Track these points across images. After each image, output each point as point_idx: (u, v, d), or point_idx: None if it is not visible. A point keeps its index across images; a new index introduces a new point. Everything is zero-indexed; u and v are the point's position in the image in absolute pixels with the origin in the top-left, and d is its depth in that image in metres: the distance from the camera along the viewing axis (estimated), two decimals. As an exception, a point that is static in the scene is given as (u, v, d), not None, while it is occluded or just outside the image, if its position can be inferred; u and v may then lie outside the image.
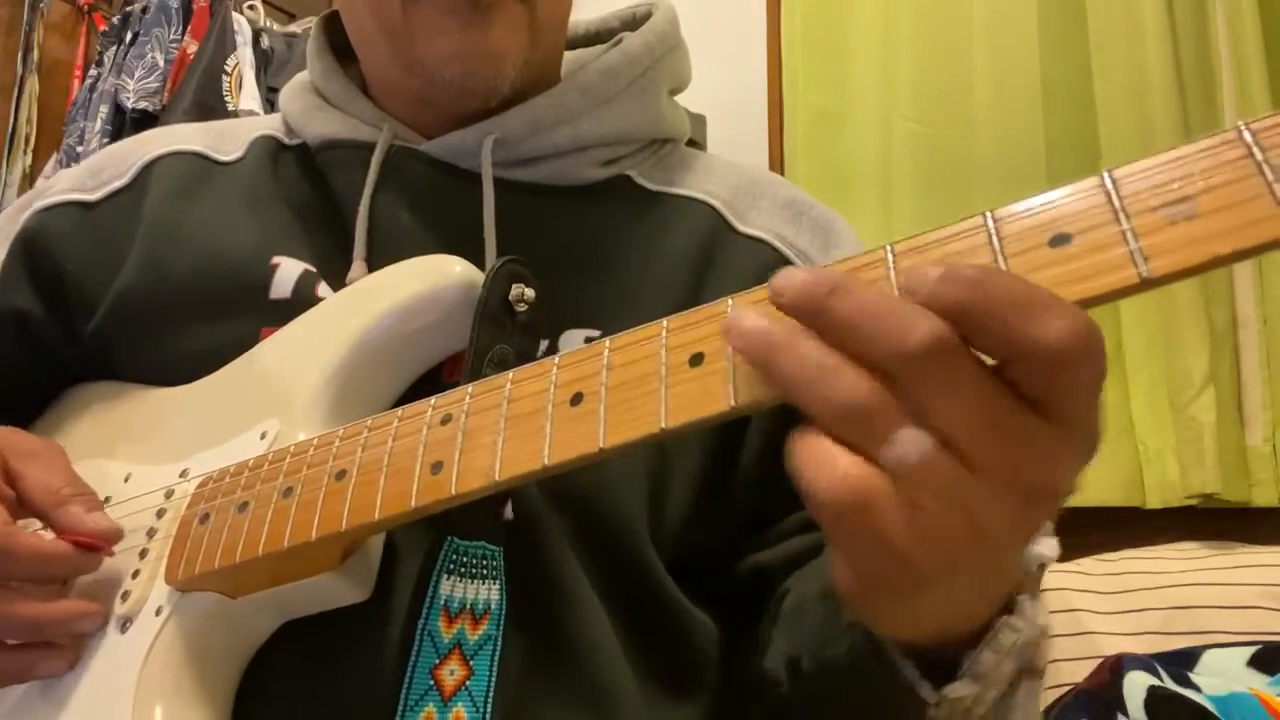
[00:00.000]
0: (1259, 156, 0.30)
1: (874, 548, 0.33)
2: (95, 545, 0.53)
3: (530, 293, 0.57)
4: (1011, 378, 0.32)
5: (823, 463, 0.33)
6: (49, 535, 0.53)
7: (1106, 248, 0.31)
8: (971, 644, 0.41)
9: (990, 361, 0.32)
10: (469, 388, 0.46)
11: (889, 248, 0.36)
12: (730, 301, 0.39)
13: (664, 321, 0.40)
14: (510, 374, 0.44)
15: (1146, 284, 0.31)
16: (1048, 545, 0.67)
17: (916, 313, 0.31)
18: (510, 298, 0.56)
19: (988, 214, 0.34)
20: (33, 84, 2.78)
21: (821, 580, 0.54)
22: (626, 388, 0.39)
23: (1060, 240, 0.32)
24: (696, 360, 0.38)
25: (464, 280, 0.57)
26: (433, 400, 0.47)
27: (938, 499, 0.32)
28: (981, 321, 0.31)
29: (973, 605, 0.39)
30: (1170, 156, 0.32)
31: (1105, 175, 0.33)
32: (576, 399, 0.40)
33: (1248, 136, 0.31)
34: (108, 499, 0.59)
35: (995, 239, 0.34)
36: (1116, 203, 0.32)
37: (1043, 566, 0.66)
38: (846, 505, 0.32)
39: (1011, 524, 0.33)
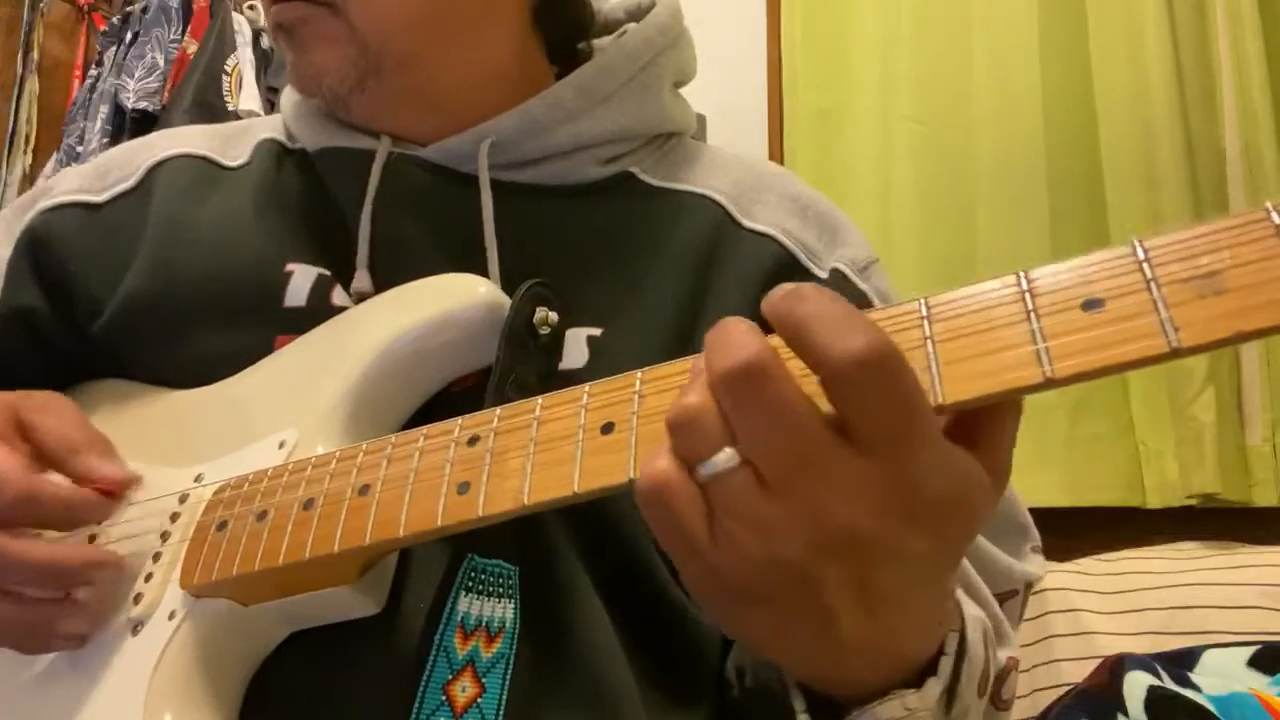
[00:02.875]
0: None
1: (680, 544, 0.36)
2: (111, 491, 0.55)
3: (554, 316, 0.57)
4: (829, 398, 0.34)
5: (646, 458, 0.37)
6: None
7: (1138, 316, 0.32)
8: (861, 704, 0.42)
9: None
10: (497, 410, 0.46)
11: (923, 301, 0.37)
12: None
13: (697, 357, 0.41)
14: (540, 399, 0.45)
15: (1175, 353, 0.32)
16: (1034, 563, 0.68)
17: (743, 337, 0.34)
18: (534, 320, 0.57)
19: (1021, 274, 0.35)
20: (33, 84, 2.78)
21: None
22: (658, 420, 0.39)
23: (1093, 305, 0.33)
24: None
25: (488, 301, 0.57)
26: (460, 420, 0.47)
27: (732, 515, 0.35)
28: (796, 332, 0.34)
29: (832, 654, 0.39)
30: (1198, 231, 0.33)
31: (1136, 245, 0.34)
32: (608, 428, 0.41)
33: (1275, 218, 0.32)
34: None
35: (1029, 299, 0.35)
36: (1148, 273, 0.33)
37: (1028, 587, 0.67)
38: (648, 494, 0.36)
39: (812, 554, 0.35)
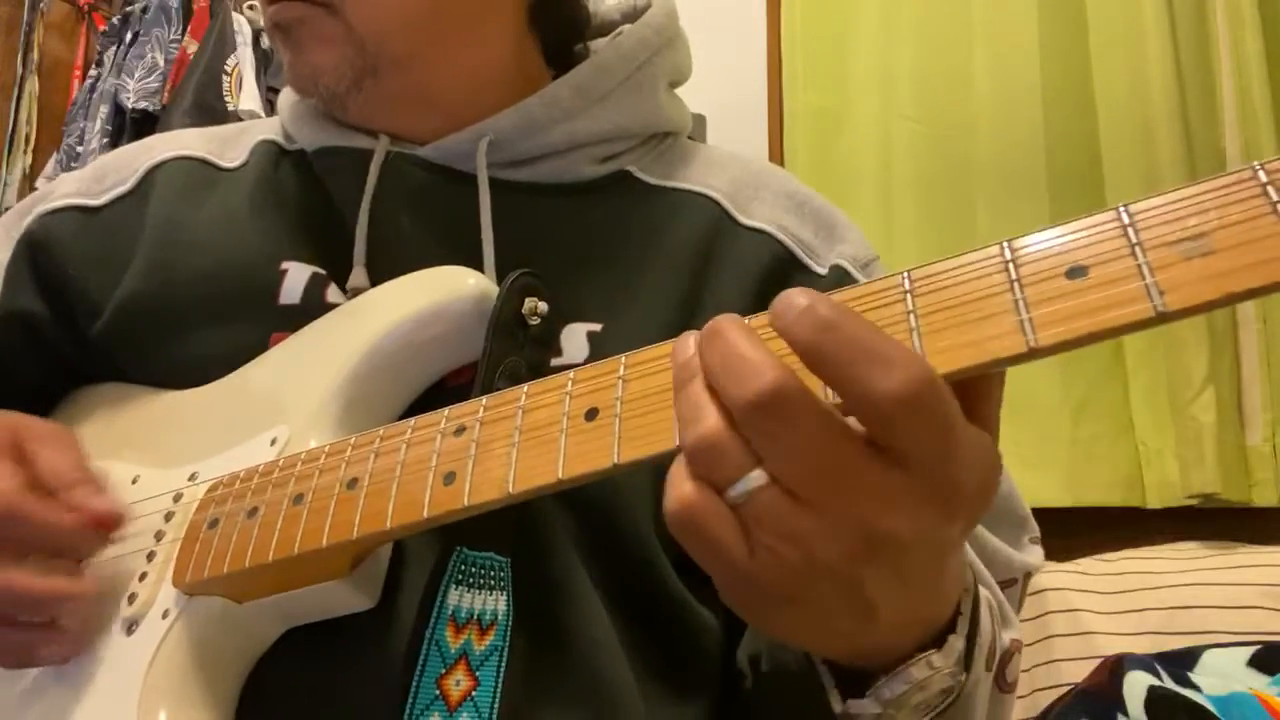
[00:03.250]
0: (1273, 196, 0.31)
1: (718, 562, 0.36)
2: (102, 524, 0.53)
3: (543, 306, 0.57)
4: (868, 430, 0.34)
5: (671, 485, 0.36)
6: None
7: (1123, 281, 0.32)
8: (888, 670, 0.43)
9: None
10: (483, 400, 0.46)
11: (906, 274, 0.36)
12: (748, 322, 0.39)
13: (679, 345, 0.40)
14: (525, 387, 0.44)
15: (1162, 318, 0.31)
16: (1032, 553, 0.68)
17: (763, 364, 0.34)
18: (524, 311, 0.57)
19: (1005, 244, 0.35)
20: (33, 84, 2.78)
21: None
22: (642, 404, 0.39)
23: (1077, 272, 0.33)
24: None
25: (477, 292, 0.57)
26: (446, 411, 0.47)
27: (768, 531, 0.35)
28: (826, 365, 0.33)
29: (861, 635, 0.40)
30: (1185, 194, 0.32)
31: (1121, 210, 0.33)
32: (591, 414, 0.41)
33: (1262, 176, 0.31)
34: (115, 501, 0.60)
35: (1013, 268, 0.34)
36: (1133, 237, 0.32)
37: (1027, 577, 0.67)
38: (679, 520, 0.36)
39: (852, 561, 0.35)
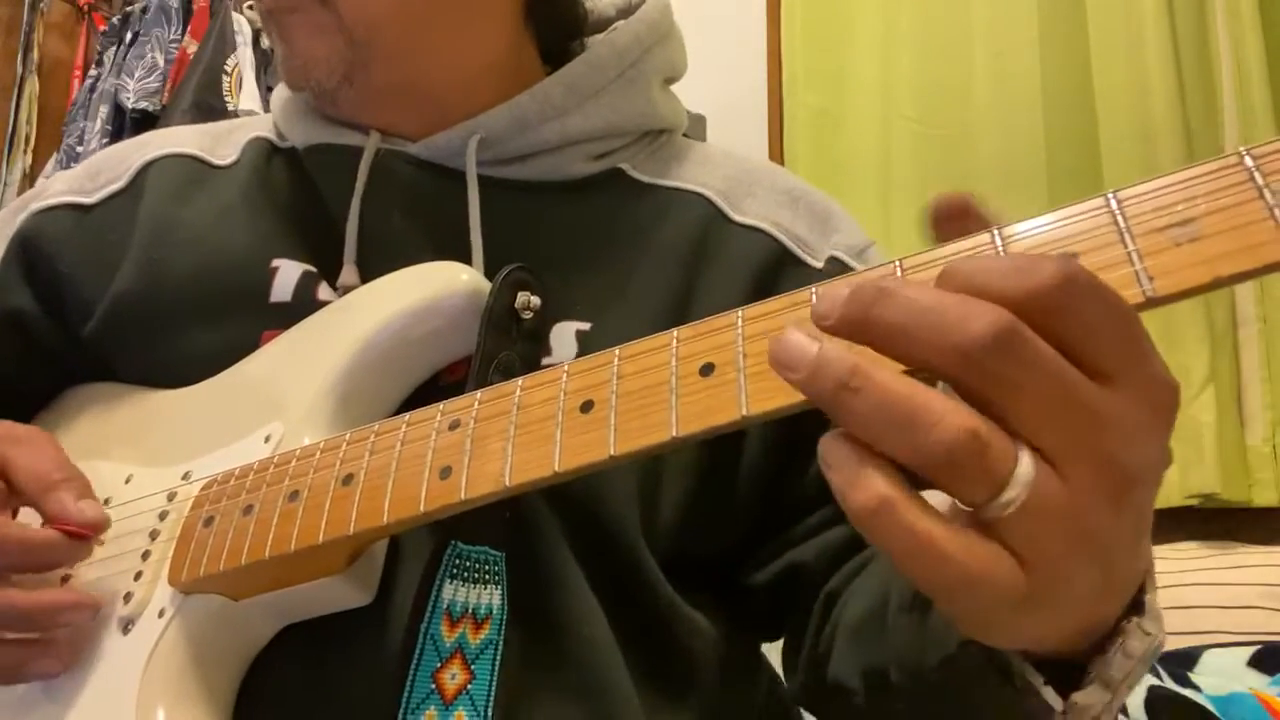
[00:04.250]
0: (1260, 181, 0.31)
1: (983, 603, 0.31)
2: (82, 534, 0.52)
3: (536, 300, 0.57)
4: (1060, 341, 0.30)
5: (921, 549, 0.29)
6: (38, 525, 0.53)
7: (1112, 267, 0.32)
8: (1099, 649, 0.37)
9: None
10: (478, 394, 0.46)
11: (898, 263, 0.36)
12: (741, 314, 0.38)
13: (674, 332, 0.40)
14: (520, 381, 0.44)
15: (1151, 303, 0.31)
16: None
17: (974, 305, 0.29)
18: (516, 305, 0.56)
19: (995, 231, 0.35)
20: (33, 84, 2.79)
21: (901, 591, 0.51)
22: (637, 396, 0.39)
23: None
24: (707, 370, 0.38)
25: (470, 287, 0.57)
26: (441, 406, 0.47)
27: (1048, 525, 0.30)
28: (972, 284, 0.30)
29: (1093, 608, 0.35)
30: (1173, 179, 0.33)
31: (1110, 196, 0.33)
32: (587, 406, 0.41)
33: (1249, 162, 0.32)
34: (108, 500, 0.59)
35: (1004, 255, 0.34)
36: (1121, 223, 0.33)
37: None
38: (961, 590, 0.30)
39: (1113, 518, 0.31)
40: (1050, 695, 0.38)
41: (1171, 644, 1.13)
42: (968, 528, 0.30)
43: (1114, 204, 0.33)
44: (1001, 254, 0.32)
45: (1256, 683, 1.01)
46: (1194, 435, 1.42)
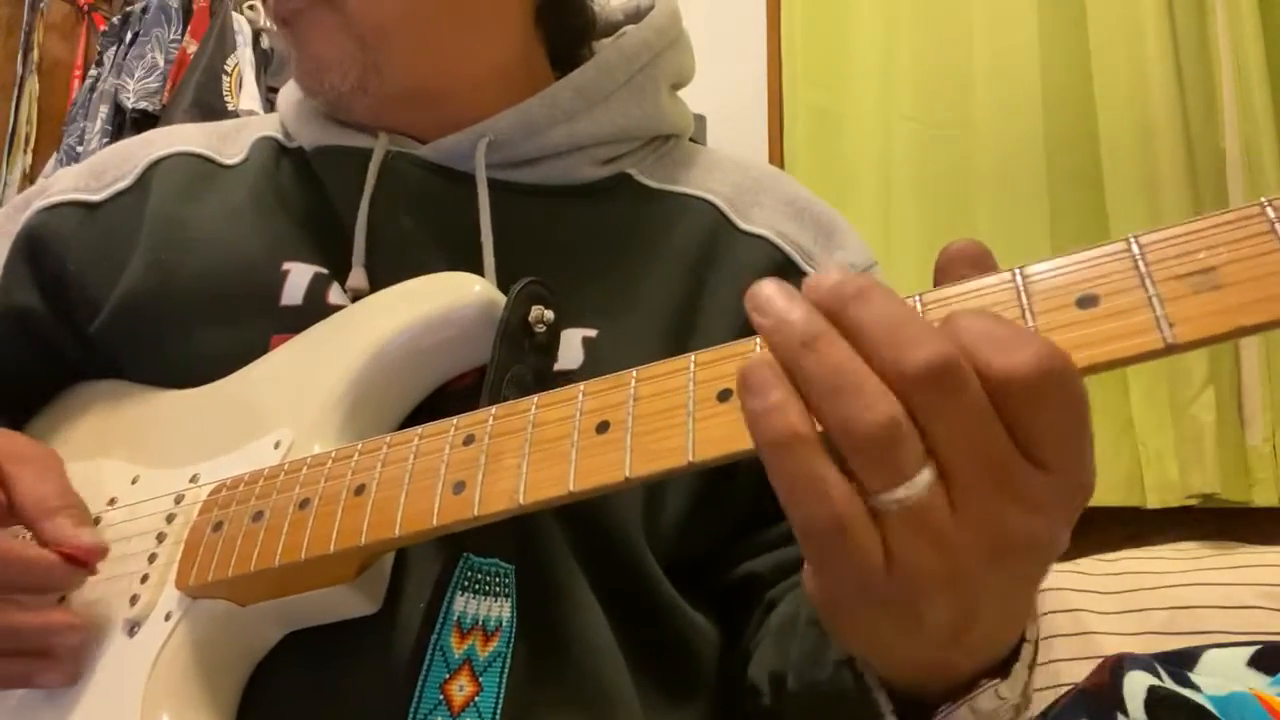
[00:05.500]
0: None
1: (847, 575, 0.34)
2: (80, 560, 0.52)
3: (549, 314, 0.57)
4: (1008, 417, 0.32)
5: (813, 483, 0.32)
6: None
7: (1133, 312, 0.32)
8: (952, 697, 0.40)
9: None
10: (492, 410, 0.46)
11: (918, 298, 0.36)
12: (759, 341, 0.38)
13: (691, 355, 0.40)
14: (535, 398, 0.44)
15: (1170, 349, 0.32)
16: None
17: (931, 331, 0.31)
18: (530, 319, 0.57)
19: (1017, 271, 0.35)
20: (33, 84, 2.79)
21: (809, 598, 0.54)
22: (653, 419, 0.39)
23: (1088, 301, 0.33)
24: (724, 396, 0.38)
25: (483, 299, 0.57)
26: (455, 420, 0.47)
27: (921, 536, 0.32)
28: (967, 352, 0.31)
29: (945, 650, 0.37)
30: (1194, 226, 0.33)
31: (1132, 240, 0.34)
32: (603, 427, 0.41)
33: (1270, 213, 0.32)
34: (114, 500, 0.59)
35: (1024, 295, 0.35)
36: (1143, 268, 0.33)
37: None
38: (827, 533, 0.32)
39: (986, 570, 0.33)
40: None
41: (1171, 644, 1.14)
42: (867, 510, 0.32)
43: (1136, 248, 0.33)
44: (997, 319, 0.32)
45: (1256, 683, 1.01)
46: (1194, 435, 1.42)
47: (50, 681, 0.52)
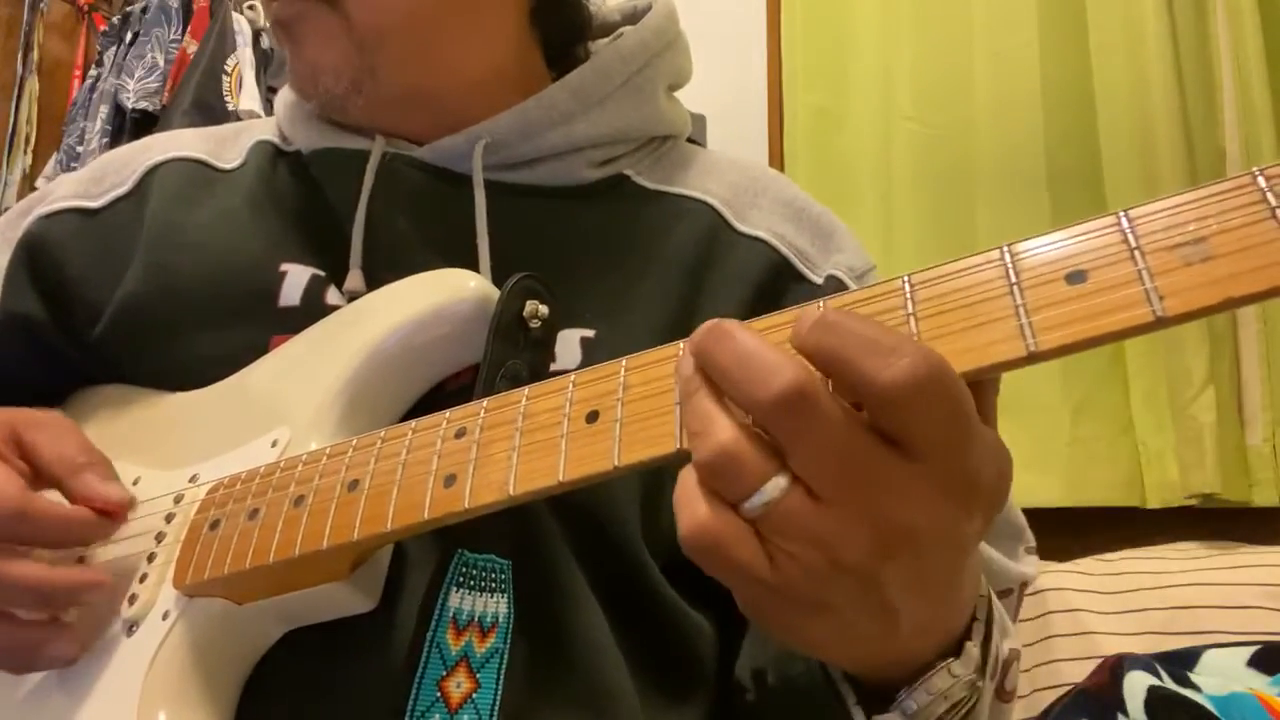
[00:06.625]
0: (1273, 202, 0.31)
1: (740, 579, 0.36)
2: (110, 511, 0.54)
3: (544, 309, 0.57)
4: (870, 417, 0.34)
5: (684, 505, 0.36)
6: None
7: (1122, 286, 0.32)
8: (909, 681, 0.42)
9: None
10: (484, 402, 0.46)
11: (906, 279, 0.36)
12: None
13: (680, 344, 0.40)
14: (526, 390, 0.44)
15: (1160, 322, 0.31)
16: (1028, 563, 0.68)
17: (780, 362, 0.33)
18: (524, 314, 0.57)
19: (1005, 247, 0.35)
20: (33, 84, 2.79)
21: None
22: (643, 407, 0.40)
23: (1076, 277, 0.33)
24: None
25: (478, 295, 0.57)
26: (447, 414, 0.47)
27: (791, 537, 0.34)
28: (834, 364, 0.33)
29: (884, 642, 0.39)
30: (1185, 198, 0.32)
31: (1121, 215, 0.33)
32: (592, 416, 0.41)
33: (1262, 183, 0.31)
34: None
35: (1012, 272, 0.34)
36: (1132, 241, 0.33)
37: (1023, 586, 0.67)
38: (698, 546, 0.35)
39: (873, 558, 0.35)
40: (857, 713, 0.45)
41: (1171, 644, 1.14)
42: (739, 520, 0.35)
43: (1125, 222, 0.33)
44: (870, 323, 0.34)
45: (1256, 683, 1.01)
46: (1194, 435, 1.42)
47: (61, 651, 0.52)
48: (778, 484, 0.34)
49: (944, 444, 0.34)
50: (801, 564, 0.35)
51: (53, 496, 0.55)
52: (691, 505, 0.35)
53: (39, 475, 0.55)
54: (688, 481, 0.36)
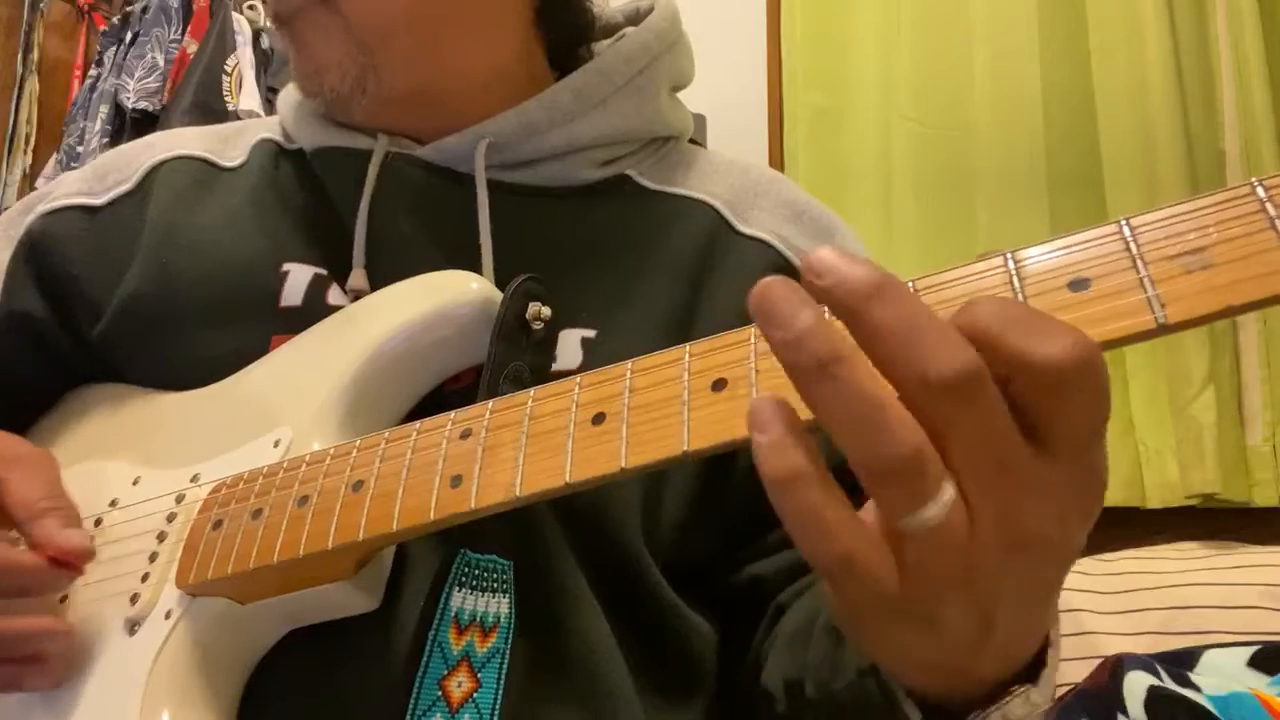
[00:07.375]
0: (1271, 212, 0.32)
1: (861, 591, 0.33)
2: (66, 563, 0.52)
3: (546, 311, 0.57)
4: (1014, 400, 0.31)
5: (815, 525, 0.31)
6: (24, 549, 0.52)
7: (1125, 293, 0.32)
8: (982, 705, 0.39)
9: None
10: (489, 404, 0.46)
11: (910, 284, 0.36)
12: (755, 330, 0.38)
13: (686, 346, 0.40)
14: (531, 391, 0.44)
15: (1163, 329, 0.32)
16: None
17: (954, 338, 0.30)
18: (527, 316, 0.57)
19: (1008, 254, 0.35)
20: (33, 84, 2.79)
21: (827, 610, 0.53)
22: (649, 409, 0.39)
23: (1079, 284, 0.33)
24: (719, 386, 0.38)
25: (480, 297, 0.57)
26: (452, 415, 0.47)
27: (937, 552, 0.31)
28: (993, 341, 0.30)
29: (969, 656, 0.36)
30: (1185, 208, 0.33)
31: (1123, 222, 0.34)
32: (599, 418, 0.41)
33: (1261, 193, 0.32)
34: (115, 501, 0.60)
35: (1016, 279, 0.35)
36: (1134, 249, 0.33)
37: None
38: (837, 568, 0.32)
39: (999, 569, 0.32)
40: None
41: (1171, 644, 1.14)
42: (870, 524, 0.32)
43: (1127, 230, 0.34)
44: (1021, 300, 0.32)
45: (1256, 683, 1.01)
46: (1194, 435, 1.42)
47: (39, 685, 0.52)
48: (948, 494, 0.30)
49: (1085, 439, 0.32)
50: (935, 577, 0.32)
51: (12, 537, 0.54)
52: (828, 523, 0.31)
53: (2, 515, 0.54)
54: (817, 494, 0.31)
